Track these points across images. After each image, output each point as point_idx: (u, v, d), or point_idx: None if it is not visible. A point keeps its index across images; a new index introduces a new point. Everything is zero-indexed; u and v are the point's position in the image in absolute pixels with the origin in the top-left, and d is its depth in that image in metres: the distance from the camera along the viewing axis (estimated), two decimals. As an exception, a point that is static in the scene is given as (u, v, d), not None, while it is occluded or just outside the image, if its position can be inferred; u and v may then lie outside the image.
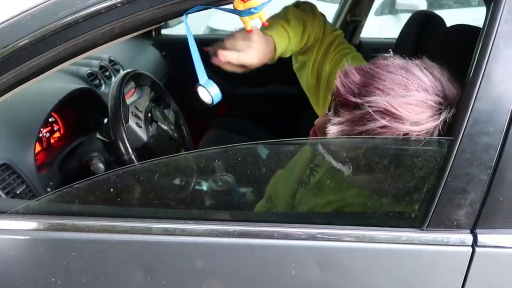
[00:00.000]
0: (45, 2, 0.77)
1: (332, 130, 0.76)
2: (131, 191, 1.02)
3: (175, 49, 2.30)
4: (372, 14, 3.04)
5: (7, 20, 0.76)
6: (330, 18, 2.47)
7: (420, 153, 0.73)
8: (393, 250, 0.72)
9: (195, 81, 0.80)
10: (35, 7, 0.77)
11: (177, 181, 1.32)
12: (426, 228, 0.72)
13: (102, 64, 1.68)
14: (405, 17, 2.08)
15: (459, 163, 0.70)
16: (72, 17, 0.74)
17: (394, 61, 0.76)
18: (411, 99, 0.71)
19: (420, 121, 0.71)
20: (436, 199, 0.72)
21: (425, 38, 1.61)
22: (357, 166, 0.80)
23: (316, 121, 0.90)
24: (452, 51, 1.16)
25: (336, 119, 0.77)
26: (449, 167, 0.70)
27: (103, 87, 1.57)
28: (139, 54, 2.15)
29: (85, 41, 0.76)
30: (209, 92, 0.79)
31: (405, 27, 1.86)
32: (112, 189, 0.86)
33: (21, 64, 0.76)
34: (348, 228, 0.73)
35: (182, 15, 0.76)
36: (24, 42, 0.74)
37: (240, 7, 0.73)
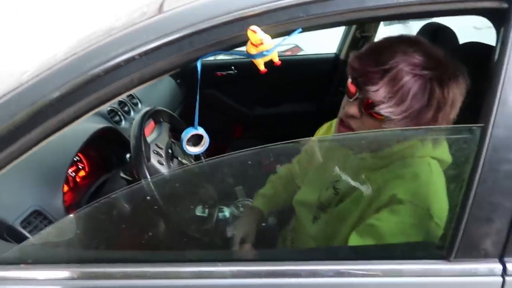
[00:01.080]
0: (68, 58, 0.81)
1: (375, 96, 0.82)
2: (154, 233, 1.05)
3: (189, 76, 2.35)
4: (382, 24, 3.05)
5: (31, 79, 0.80)
6: (338, 35, 2.48)
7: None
8: (421, 284, 0.71)
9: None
10: (58, 64, 0.81)
11: (200, 212, 1.35)
12: (453, 258, 0.72)
13: (120, 99, 1.73)
14: (414, 25, 2.06)
15: (483, 191, 0.69)
16: (94, 71, 0.77)
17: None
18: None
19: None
20: (462, 228, 0.71)
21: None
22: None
23: (344, 113, 0.91)
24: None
25: (372, 87, 0.82)
26: (473, 195, 0.70)
27: (123, 122, 1.62)
28: (154, 85, 2.20)
29: (107, 93, 0.79)
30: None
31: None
32: (137, 232, 0.89)
33: (47, 120, 0.79)
34: (374, 263, 0.73)
35: (196, 61, 0.79)
36: (49, 99, 0.78)
37: (253, 51, 0.75)
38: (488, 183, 0.69)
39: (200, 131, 0.81)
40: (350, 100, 0.89)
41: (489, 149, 0.68)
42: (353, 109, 0.88)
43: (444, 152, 0.87)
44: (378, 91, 0.82)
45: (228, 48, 0.77)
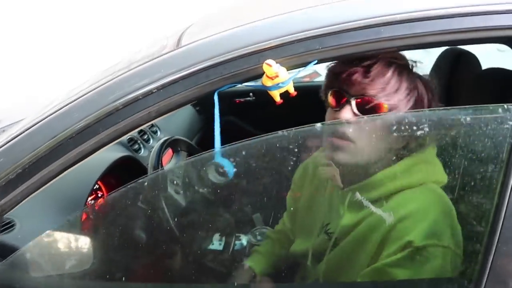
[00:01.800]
0: (89, 92, 0.83)
1: (371, 88, 0.83)
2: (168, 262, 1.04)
3: (209, 104, 2.38)
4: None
5: (52, 113, 0.82)
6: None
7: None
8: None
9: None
10: (79, 98, 0.83)
11: (217, 241, 1.33)
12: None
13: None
14: (436, 50, 2.03)
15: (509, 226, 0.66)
16: (112, 104, 0.79)
17: None
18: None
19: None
20: (489, 264, 0.68)
21: (458, 78, 1.58)
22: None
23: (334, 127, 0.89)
24: (486, 96, 1.13)
25: (365, 80, 0.83)
26: (499, 229, 0.67)
27: (142, 151, 1.64)
28: (174, 113, 2.24)
29: (125, 126, 0.80)
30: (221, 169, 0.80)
31: (436, 63, 1.83)
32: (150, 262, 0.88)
33: (67, 153, 0.81)
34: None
35: (213, 94, 0.80)
36: (70, 131, 0.80)
37: (269, 83, 0.75)
38: (515, 217, 0.66)
39: (225, 162, 0.81)
40: (337, 109, 0.87)
41: (515, 181, 0.65)
42: (347, 114, 0.85)
43: (440, 171, 0.84)
44: (374, 81, 0.82)
45: (244, 80, 0.78)
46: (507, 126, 0.71)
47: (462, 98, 1.38)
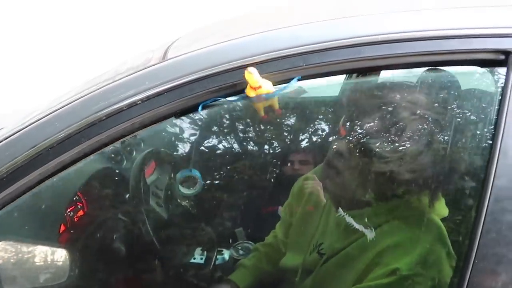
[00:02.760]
0: (72, 102, 0.82)
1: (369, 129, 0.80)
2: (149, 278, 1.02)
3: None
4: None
5: (34, 122, 0.81)
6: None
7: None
8: None
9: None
10: (62, 108, 0.82)
11: (199, 255, 1.32)
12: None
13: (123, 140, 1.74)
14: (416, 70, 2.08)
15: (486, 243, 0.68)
16: (96, 115, 0.78)
17: None
18: None
19: None
20: (466, 282, 0.69)
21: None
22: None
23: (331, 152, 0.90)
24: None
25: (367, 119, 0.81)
26: (476, 247, 0.68)
27: (125, 163, 1.61)
28: (158, 125, 2.22)
29: (108, 137, 0.79)
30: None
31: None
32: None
33: (48, 162, 0.79)
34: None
35: (197, 107, 0.80)
36: (51, 141, 0.78)
37: (252, 94, 0.75)
38: (491, 234, 0.67)
39: (194, 173, 0.81)
40: (340, 138, 0.89)
41: (491, 200, 0.67)
42: (343, 146, 0.87)
43: (442, 206, 0.83)
44: (372, 124, 0.81)
45: (228, 95, 0.78)
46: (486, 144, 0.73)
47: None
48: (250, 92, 0.76)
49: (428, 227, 0.83)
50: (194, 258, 1.27)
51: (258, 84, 0.73)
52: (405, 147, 0.78)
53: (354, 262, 0.85)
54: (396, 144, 0.78)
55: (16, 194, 0.82)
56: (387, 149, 0.79)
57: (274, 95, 0.79)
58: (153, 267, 1.08)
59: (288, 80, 0.76)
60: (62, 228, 1.32)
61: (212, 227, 1.29)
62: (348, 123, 0.89)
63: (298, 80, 0.76)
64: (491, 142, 0.68)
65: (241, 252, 1.41)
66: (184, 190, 0.80)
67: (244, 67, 0.74)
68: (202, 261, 1.26)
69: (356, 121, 0.86)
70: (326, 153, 0.91)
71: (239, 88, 0.75)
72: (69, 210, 1.36)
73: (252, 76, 0.71)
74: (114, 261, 1.14)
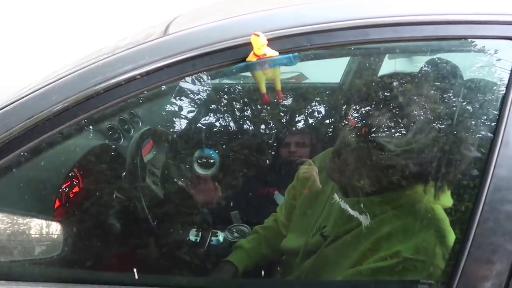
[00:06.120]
0: (69, 75, 0.80)
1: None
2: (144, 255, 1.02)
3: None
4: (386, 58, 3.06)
5: (31, 93, 0.80)
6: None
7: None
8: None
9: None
10: (58, 80, 0.80)
11: (193, 236, 1.32)
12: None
13: (121, 117, 1.72)
14: (419, 59, 2.05)
15: (482, 232, 0.68)
16: (93, 88, 0.77)
17: None
18: None
19: None
20: (460, 269, 0.69)
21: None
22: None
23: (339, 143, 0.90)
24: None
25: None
26: (472, 235, 0.68)
27: (122, 140, 1.60)
28: (156, 104, 2.20)
29: (105, 111, 0.78)
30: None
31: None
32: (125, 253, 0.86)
33: (44, 134, 0.78)
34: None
35: (200, 84, 0.79)
36: (47, 113, 0.77)
37: (254, 59, 0.73)
38: (489, 223, 0.67)
39: (213, 154, 0.79)
40: (349, 128, 0.89)
41: (491, 189, 0.67)
42: (350, 136, 0.87)
43: (447, 198, 0.83)
44: (380, 116, 0.81)
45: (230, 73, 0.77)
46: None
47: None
48: (252, 58, 0.73)
49: (431, 216, 0.83)
50: (189, 239, 1.27)
51: (262, 51, 0.70)
52: (412, 138, 0.78)
53: (357, 245, 0.86)
54: (401, 134, 0.78)
55: (11, 165, 0.81)
56: (392, 140, 0.80)
57: (276, 63, 0.75)
58: (147, 243, 1.08)
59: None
60: (57, 203, 1.32)
61: (208, 208, 1.29)
62: (355, 113, 0.89)
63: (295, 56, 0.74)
64: (494, 129, 0.67)
65: (235, 234, 1.41)
66: (199, 170, 0.79)
67: (247, 44, 0.72)
68: (196, 241, 1.26)
69: (365, 112, 0.86)
70: (332, 138, 0.91)
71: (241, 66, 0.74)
72: (64, 185, 1.36)
73: (258, 39, 0.69)
74: (108, 237, 1.14)
